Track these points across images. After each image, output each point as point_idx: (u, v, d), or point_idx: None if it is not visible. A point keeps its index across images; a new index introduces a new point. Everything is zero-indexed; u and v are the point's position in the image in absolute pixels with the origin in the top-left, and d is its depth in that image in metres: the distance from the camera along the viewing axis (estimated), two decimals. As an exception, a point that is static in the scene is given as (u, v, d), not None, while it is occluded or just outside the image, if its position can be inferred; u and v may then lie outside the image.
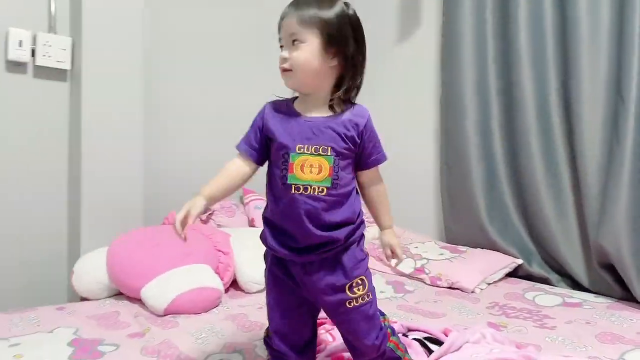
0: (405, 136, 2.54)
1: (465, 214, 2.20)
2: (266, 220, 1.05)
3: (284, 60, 0.99)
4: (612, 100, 1.76)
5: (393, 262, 1.14)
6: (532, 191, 2.00)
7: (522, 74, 1.99)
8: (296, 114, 1.01)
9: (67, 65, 1.73)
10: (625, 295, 1.75)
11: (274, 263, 1.06)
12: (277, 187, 1.00)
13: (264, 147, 1.03)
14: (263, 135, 1.02)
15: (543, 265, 2.03)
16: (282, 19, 1.00)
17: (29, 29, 1.67)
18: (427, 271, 1.99)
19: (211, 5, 2.17)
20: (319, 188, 0.98)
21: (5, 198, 1.68)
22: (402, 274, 2.04)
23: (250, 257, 1.76)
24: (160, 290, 1.52)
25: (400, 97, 2.58)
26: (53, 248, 1.78)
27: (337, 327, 1.08)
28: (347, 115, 1.02)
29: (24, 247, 1.72)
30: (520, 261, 2.03)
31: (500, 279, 1.98)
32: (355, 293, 1.02)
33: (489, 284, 1.93)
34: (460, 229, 2.24)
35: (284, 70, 0.99)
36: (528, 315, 1.61)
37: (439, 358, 1.16)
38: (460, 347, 1.21)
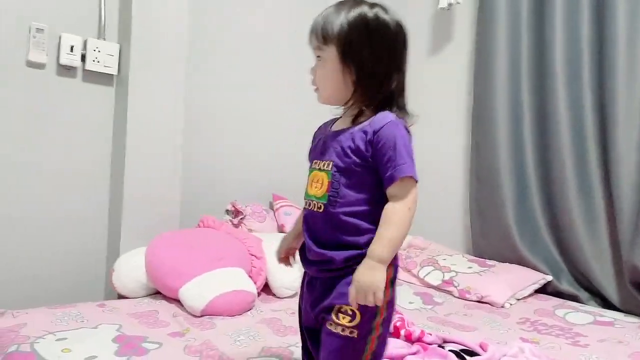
0: (436, 149, 2.56)
1: (494, 228, 2.21)
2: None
3: (312, 80, 0.99)
4: (648, 122, 1.77)
5: (333, 323, 0.91)
6: (564, 208, 2.00)
7: (557, 91, 2.00)
8: (327, 130, 1.01)
9: (114, 71, 1.80)
10: (657, 316, 1.74)
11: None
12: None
13: None
14: None
15: (573, 283, 2.02)
16: (310, 36, 0.96)
17: (79, 34, 1.74)
18: (455, 284, 1.99)
19: (252, 8, 2.22)
20: (317, 204, 0.94)
21: (51, 197, 1.74)
22: (430, 286, 2.05)
23: (282, 263, 1.79)
24: (197, 291, 1.55)
25: (431, 110, 2.59)
26: (93, 246, 1.84)
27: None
28: (361, 125, 0.92)
29: (66, 243, 1.78)
30: (550, 277, 2.02)
31: (529, 295, 1.98)
32: (340, 320, 0.89)
33: (519, 299, 1.93)
34: (489, 243, 2.24)
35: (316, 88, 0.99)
36: (560, 332, 1.60)
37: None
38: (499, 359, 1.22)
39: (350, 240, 0.90)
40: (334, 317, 0.90)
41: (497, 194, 2.17)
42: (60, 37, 1.70)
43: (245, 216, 2.13)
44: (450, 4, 2.36)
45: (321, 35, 0.93)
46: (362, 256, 0.87)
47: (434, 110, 2.58)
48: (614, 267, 1.89)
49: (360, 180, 0.91)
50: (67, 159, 1.76)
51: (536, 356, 1.23)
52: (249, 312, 1.59)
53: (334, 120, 1.02)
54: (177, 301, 1.60)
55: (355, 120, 0.94)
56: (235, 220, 2.09)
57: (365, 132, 0.90)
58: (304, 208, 0.99)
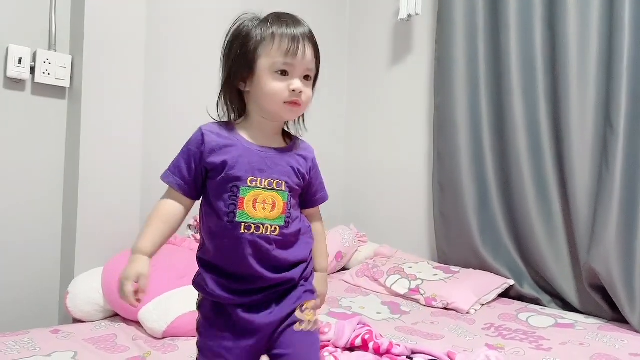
0: (399, 158, 2.59)
1: (457, 234, 2.24)
2: (203, 262, 0.93)
3: (299, 94, 0.90)
4: (600, 127, 1.84)
5: (304, 321, 0.93)
6: (524, 213, 2.05)
7: (513, 99, 2.05)
8: (245, 142, 0.92)
9: (66, 83, 1.72)
10: (615, 316, 1.80)
11: (210, 309, 0.93)
12: (220, 225, 0.88)
13: (200, 179, 0.91)
14: (201, 167, 0.90)
15: (534, 286, 2.07)
16: (298, 46, 0.89)
17: (28, 46, 1.65)
18: (422, 292, 2.00)
19: (211, 14, 2.18)
20: (271, 227, 0.89)
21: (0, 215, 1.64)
22: (397, 295, 2.05)
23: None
24: (158, 312, 1.49)
25: (393, 120, 2.63)
26: (46, 268, 1.74)
27: None
28: (297, 149, 0.97)
29: (16, 265, 1.68)
30: (512, 282, 2.07)
31: (493, 300, 2.01)
32: (306, 316, 0.93)
33: (483, 304, 1.96)
34: (453, 250, 2.27)
35: (295, 103, 0.91)
36: (524, 336, 1.63)
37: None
38: (465, 370, 1.22)
39: (303, 256, 0.95)
40: (298, 315, 0.92)
41: (459, 201, 2.21)
42: (7, 49, 1.61)
43: (208, 230, 2.08)
44: (409, 15, 2.40)
45: (316, 51, 0.93)
46: (307, 266, 0.97)
47: (396, 120, 2.62)
48: (573, 270, 1.95)
49: (297, 200, 0.97)
50: (16, 176, 1.67)
51: (502, 363, 1.24)
52: (213, 331, 1.53)
53: (227, 129, 0.93)
54: (137, 323, 1.54)
55: (284, 139, 0.98)
56: (198, 235, 2.03)
57: (305, 158, 0.97)
58: (240, 233, 0.87)
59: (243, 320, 0.90)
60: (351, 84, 2.79)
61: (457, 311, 1.88)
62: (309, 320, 0.93)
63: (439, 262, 2.30)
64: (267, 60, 0.89)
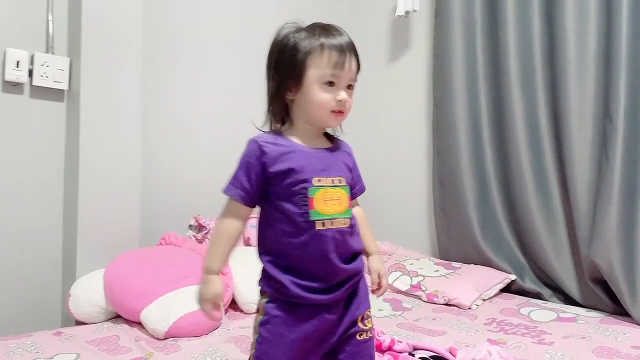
0: (399, 155, 2.58)
1: (458, 230, 2.24)
2: (279, 266, 0.94)
3: (345, 103, 0.95)
4: (600, 120, 1.83)
5: (365, 330, 0.99)
6: (524, 208, 2.05)
7: (512, 94, 2.05)
8: (301, 147, 0.97)
9: (64, 86, 1.72)
10: (616, 309, 1.80)
11: (284, 312, 0.94)
12: (295, 226, 0.92)
13: (261, 188, 0.95)
14: (263, 177, 0.94)
15: (535, 281, 2.07)
16: (345, 58, 0.94)
17: (26, 49, 1.65)
18: (423, 288, 2.01)
19: (211, 16, 2.18)
20: (343, 220, 0.95)
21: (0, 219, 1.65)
22: (399, 291, 2.05)
23: (249, 277, 1.75)
24: (160, 313, 1.50)
25: (393, 116, 2.62)
26: (48, 270, 1.74)
27: None
28: (340, 146, 1.04)
29: (17, 269, 1.69)
30: (513, 277, 2.07)
31: (495, 295, 2.01)
32: (366, 326, 0.99)
33: (484, 300, 1.96)
34: (454, 245, 2.27)
35: (340, 112, 0.96)
36: (525, 331, 1.64)
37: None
38: (467, 365, 1.22)
39: (361, 247, 1.01)
40: (361, 325, 0.98)
41: (459, 196, 2.21)
42: (5, 53, 1.62)
43: (209, 230, 2.07)
44: (407, 12, 2.40)
45: (358, 64, 0.98)
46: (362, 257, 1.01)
47: (396, 117, 2.61)
48: (574, 264, 1.95)
49: None
50: (16, 180, 1.67)
51: (504, 358, 1.24)
52: (215, 331, 1.54)
53: (280, 137, 0.97)
54: (139, 324, 1.54)
55: (328, 139, 1.03)
56: (199, 236, 2.03)
57: (349, 154, 1.04)
58: (316, 230, 0.91)
59: (319, 320, 0.93)
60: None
61: (458, 307, 1.88)
62: (369, 329, 0.99)
63: (441, 258, 2.30)
64: (316, 71, 0.94)
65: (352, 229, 0.98)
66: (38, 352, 1.33)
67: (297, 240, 0.92)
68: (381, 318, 1.75)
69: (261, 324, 0.95)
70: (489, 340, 1.52)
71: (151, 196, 1.95)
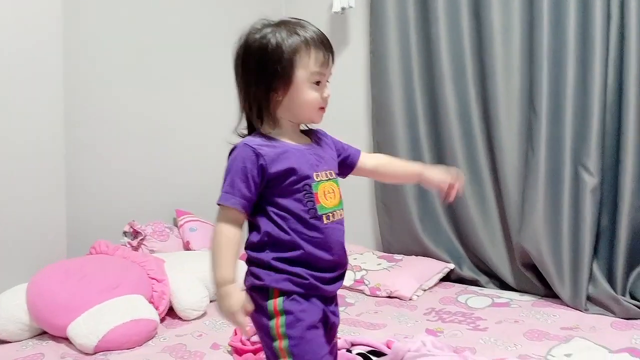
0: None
1: (399, 223, 2.28)
2: (287, 261, 0.92)
3: (326, 100, 0.98)
4: (525, 113, 1.92)
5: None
6: (460, 199, 2.10)
7: (445, 88, 2.10)
8: (292, 145, 0.96)
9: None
10: (547, 292, 1.89)
11: (307, 303, 0.93)
12: (303, 222, 0.92)
13: (258, 193, 0.93)
14: (262, 180, 0.91)
15: (473, 268, 2.14)
16: (329, 56, 0.97)
17: None
18: (366, 282, 2.02)
19: (134, 20, 2.09)
20: (339, 213, 0.98)
21: None
22: (343, 287, 2.05)
23: (187, 283, 1.70)
24: (89, 326, 1.42)
25: (333, 113, 2.60)
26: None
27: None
28: (318, 138, 1.04)
29: None
30: (452, 266, 2.12)
31: (435, 284, 2.06)
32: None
33: (425, 290, 2.00)
34: (396, 238, 2.31)
35: (323, 108, 0.98)
36: (462, 318, 1.68)
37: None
38: (403, 357, 1.24)
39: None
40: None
41: (399, 190, 2.24)
42: None
43: (145, 236, 2.00)
44: (343, 8, 2.39)
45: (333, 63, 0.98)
46: None
47: (336, 114, 2.59)
48: (507, 251, 2.03)
49: None
50: None
51: (437, 347, 1.27)
52: (150, 342, 1.48)
53: (269, 139, 0.95)
54: (66, 340, 1.46)
55: (308, 135, 1.03)
56: (135, 242, 1.95)
57: (327, 142, 1.05)
58: (325, 224, 0.94)
59: (332, 312, 0.98)
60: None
61: (400, 299, 1.91)
62: None
63: (384, 252, 2.33)
64: (305, 71, 0.93)
65: (343, 220, 1.00)
66: (-51, 378, 1.22)
67: (307, 235, 0.92)
68: (324, 315, 1.75)
69: (287, 326, 0.90)
70: (426, 330, 1.55)
71: (81, 202, 1.85)
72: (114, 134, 2.01)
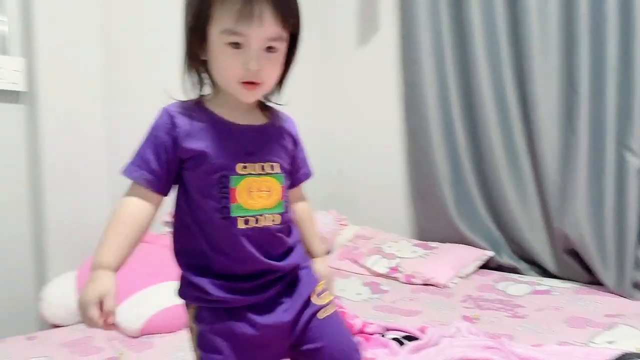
0: (373, 138, 2.58)
1: (434, 210, 2.25)
2: (196, 268, 0.77)
3: (255, 74, 0.74)
4: (565, 94, 1.84)
5: (324, 305, 0.85)
6: (497, 184, 2.06)
7: (480, 71, 2.05)
8: (224, 121, 0.77)
9: (21, 87, 1.68)
10: (590, 279, 1.82)
11: (215, 319, 0.78)
12: (212, 222, 0.76)
13: (173, 171, 0.77)
14: (175, 156, 0.76)
15: (512, 255, 2.09)
16: (252, 7, 0.70)
17: (-21, 51, 1.61)
18: (401, 270, 2.02)
19: (169, 15, 2.14)
20: (272, 216, 0.78)
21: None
22: (378, 274, 2.06)
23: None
24: (133, 311, 1.48)
25: (364, 99, 2.61)
26: (19, 275, 1.72)
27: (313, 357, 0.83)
28: (280, 122, 0.84)
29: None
30: (491, 253, 2.08)
31: (473, 272, 2.03)
32: (324, 300, 0.84)
33: (462, 277, 1.97)
34: (432, 225, 2.28)
35: (253, 84, 0.75)
36: (500, 305, 1.65)
37: (420, 351, 1.18)
38: (437, 342, 1.23)
39: (298, 237, 0.87)
40: (318, 302, 0.83)
41: (434, 176, 2.21)
42: (-44, 56, 1.57)
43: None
44: (372, -7, 2.37)
45: (287, 14, 0.73)
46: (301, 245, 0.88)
47: (368, 101, 2.60)
48: (548, 236, 1.97)
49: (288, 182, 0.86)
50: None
51: (473, 334, 1.26)
52: (191, 325, 1.53)
53: (199, 108, 0.78)
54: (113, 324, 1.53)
55: (265, 113, 0.83)
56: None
57: (289, 132, 0.86)
58: (237, 229, 0.76)
59: (258, 325, 0.78)
60: (321, 65, 2.75)
61: (435, 286, 1.90)
62: (328, 303, 0.84)
63: (419, 239, 2.31)
64: (217, 26, 0.72)
65: (286, 224, 0.82)
66: (9, 357, 1.31)
67: (215, 239, 0.76)
68: (359, 302, 1.76)
69: (200, 346, 0.79)
70: (463, 317, 1.54)
71: (120, 191, 1.92)
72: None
